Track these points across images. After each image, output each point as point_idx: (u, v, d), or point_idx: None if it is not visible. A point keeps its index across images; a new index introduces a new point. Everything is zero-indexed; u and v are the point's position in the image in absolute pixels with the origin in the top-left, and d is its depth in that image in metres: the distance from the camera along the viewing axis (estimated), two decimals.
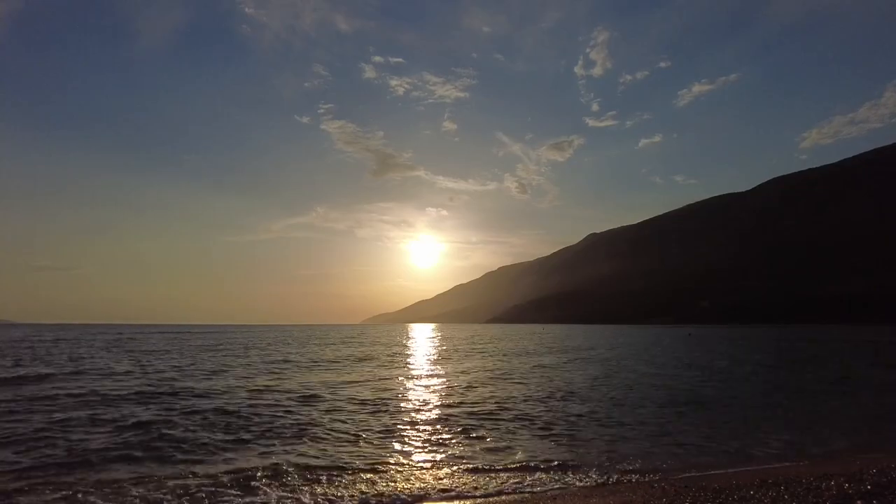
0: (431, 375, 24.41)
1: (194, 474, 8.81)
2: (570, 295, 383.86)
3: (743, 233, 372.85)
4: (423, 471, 9.24)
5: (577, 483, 8.67)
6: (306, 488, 8.21)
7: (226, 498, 7.73)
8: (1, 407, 14.40)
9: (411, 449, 10.65)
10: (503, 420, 13.47)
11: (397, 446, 10.83)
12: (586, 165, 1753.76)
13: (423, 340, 67.97)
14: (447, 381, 21.96)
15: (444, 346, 53.11)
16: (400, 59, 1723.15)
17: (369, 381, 21.59)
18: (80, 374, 23.09)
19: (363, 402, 15.98)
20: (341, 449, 10.56)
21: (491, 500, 7.97)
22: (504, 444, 11.04)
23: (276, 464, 9.35)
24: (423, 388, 19.58)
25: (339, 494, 7.97)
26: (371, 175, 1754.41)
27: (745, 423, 13.26)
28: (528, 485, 8.58)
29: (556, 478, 8.92)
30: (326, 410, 14.65)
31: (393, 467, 9.39)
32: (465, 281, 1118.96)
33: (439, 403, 16.00)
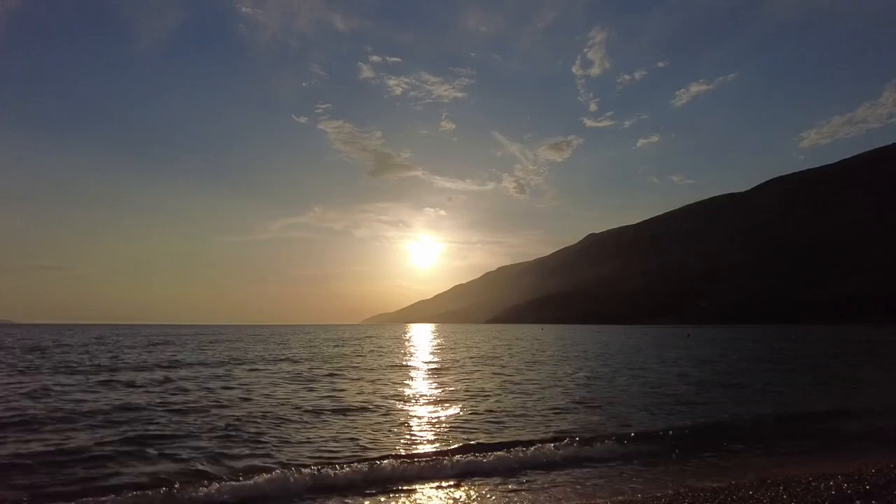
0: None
1: None
2: (569, 295, 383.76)
3: (742, 233, 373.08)
4: (424, 471, 9.24)
5: (577, 484, 8.67)
6: None
7: None
8: None
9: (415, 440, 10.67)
10: (503, 419, 13.49)
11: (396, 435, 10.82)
12: (584, 165, 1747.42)
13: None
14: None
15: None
16: (397, 59, 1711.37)
17: None
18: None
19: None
20: None
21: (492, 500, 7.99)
22: (503, 443, 11.04)
23: None
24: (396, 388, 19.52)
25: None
26: (368, 175, 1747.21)
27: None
28: (527, 485, 8.58)
29: (556, 478, 8.93)
30: None
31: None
32: (464, 281, 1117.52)
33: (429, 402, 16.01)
